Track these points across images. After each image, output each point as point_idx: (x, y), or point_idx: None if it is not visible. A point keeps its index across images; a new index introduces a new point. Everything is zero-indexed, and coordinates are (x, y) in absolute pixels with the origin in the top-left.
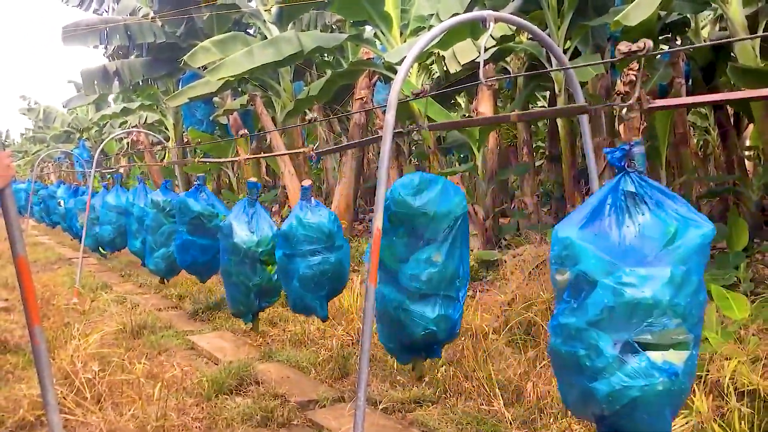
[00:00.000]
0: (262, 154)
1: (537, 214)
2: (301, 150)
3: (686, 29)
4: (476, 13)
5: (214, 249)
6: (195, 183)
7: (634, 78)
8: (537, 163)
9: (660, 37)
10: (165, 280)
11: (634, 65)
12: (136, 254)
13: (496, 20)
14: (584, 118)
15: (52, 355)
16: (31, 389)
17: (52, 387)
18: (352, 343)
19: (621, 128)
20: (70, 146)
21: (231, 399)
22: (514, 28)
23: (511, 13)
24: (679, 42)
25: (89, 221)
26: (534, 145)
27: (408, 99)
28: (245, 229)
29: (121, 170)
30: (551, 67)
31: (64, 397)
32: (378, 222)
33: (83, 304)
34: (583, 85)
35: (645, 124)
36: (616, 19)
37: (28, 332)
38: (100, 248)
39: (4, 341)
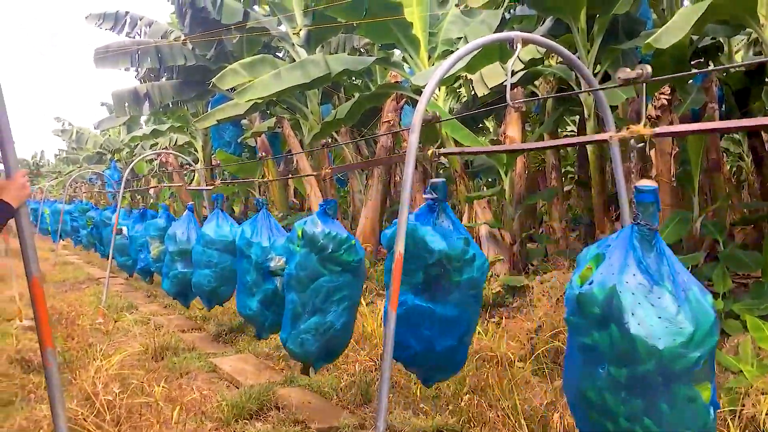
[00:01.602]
0: (279, 177)
1: (565, 239)
2: (314, 174)
3: (719, 53)
4: (504, 34)
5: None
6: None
7: (666, 102)
8: (567, 188)
9: (692, 62)
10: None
11: (666, 89)
12: (250, 320)
13: (524, 42)
14: (617, 157)
15: (74, 376)
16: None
17: (63, 412)
18: (375, 368)
19: (652, 153)
20: (102, 167)
21: (251, 424)
22: (543, 51)
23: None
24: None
25: (119, 245)
26: (564, 170)
27: (431, 121)
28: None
29: (152, 191)
30: (579, 88)
31: (84, 419)
32: (399, 246)
33: (107, 324)
34: (613, 109)
35: (677, 149)
36: (647, 42)
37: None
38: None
39: (28, 360)
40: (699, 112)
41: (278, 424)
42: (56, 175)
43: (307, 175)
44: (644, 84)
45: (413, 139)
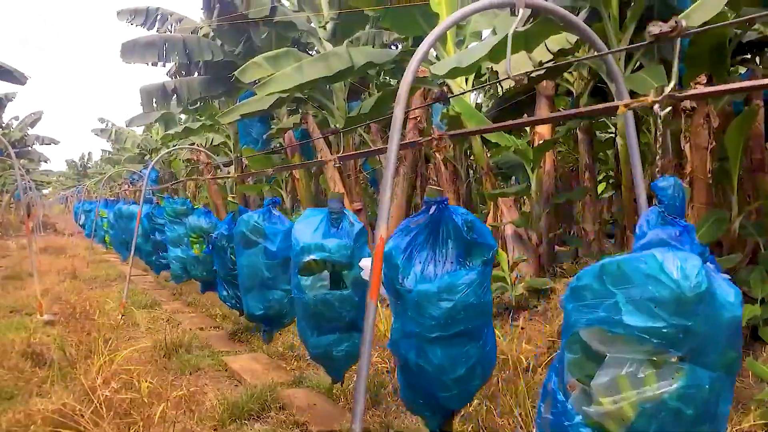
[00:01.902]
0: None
1: (599, 242)
2: (321, 162)
3: (766, 48)
4: None
5: None
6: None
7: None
8: (609, 194)
9: (737, 57)
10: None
11: (702, 78)
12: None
13: (527, 5)
14: (632, 135)
15: (79, 371)
16: (50, 405)
17: None
18: (387, 370)
19: (687, 148)
20: (140, 167)
21: (249, 425)
22: (573, 41)
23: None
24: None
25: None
26: (605, 173)
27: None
28: None
29: (188, 191)
30: (611, 81)
31: (81, 415)
32: (382, 231)
33: (127, 320)
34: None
35: (714, 143)
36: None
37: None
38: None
39: (39, 354)
40: (741, 107)
41: (277, 425)
42: (101, 176)
43: (317, 163)
44: (678, 40)
45: (398, 113)
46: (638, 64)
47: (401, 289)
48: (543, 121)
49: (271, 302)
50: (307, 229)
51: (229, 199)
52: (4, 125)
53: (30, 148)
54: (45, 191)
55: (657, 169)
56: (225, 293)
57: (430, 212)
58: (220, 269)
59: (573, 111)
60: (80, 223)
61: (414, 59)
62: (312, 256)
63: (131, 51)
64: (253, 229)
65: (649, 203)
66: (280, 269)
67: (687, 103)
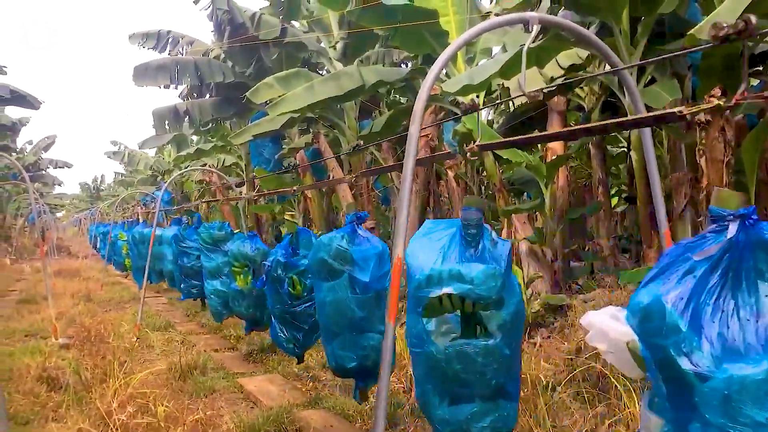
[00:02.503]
0: (309, 186)
1: (614, 257)
2: (341, 180)
3: None
4: (519, 14)
5: None
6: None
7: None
8: (622, 209)
9: (749, 69)
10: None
11: (716, 91)
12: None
13: (540, 22)
14: (650, 148)
15: (94, 395)
16: (66, 431)
17: (6, 429)
18: (404, 390)
19: (702, 161)
20: (152, 189)
21: None
22: (584, 56)
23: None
24: None
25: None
26: (618, 188)
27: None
28: None
29: (201, 212)
30: (624, 97)
31: None
32: (399, 250)
33: (141, 342)
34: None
35: (729, 156)
36: (690, 33)
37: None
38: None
39: (54, 378)
40: (755, 119)
41: None
42: (114, 198)
43: (336, 182)
44: (745, 42)
45: (413, 130)
46: (650, 78)
47: (687, 372)
48: (588, 132)
49: (367, 350)
50: (430, 249)
51: (286, 217)
52: (18, 150)
53: (44, 172)
54: (59, 214)
55: (671, 183)
56: (282, 335)
57: (728, 235)
58: (274, 305)
59: (631, 118)
60: (96, 247)
61: (428, 78)
62: (445, 290)
63: (143, 74)
64: (337, 253)
65: (669, 219)
66: (374, 305)
67: (702, 116)
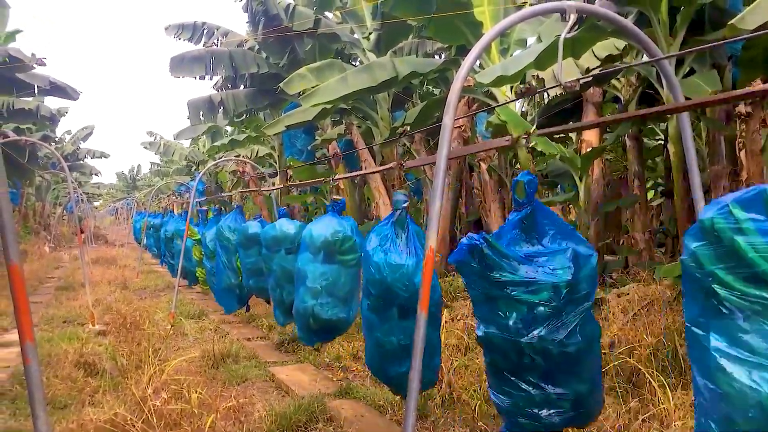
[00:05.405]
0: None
1: (650, 251)
2: (379, 169)
3: None
4: (556, 3)
5: None
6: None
7: (760, 97)
8: (658, 203)
9: None
10: None
11: (757, 83)
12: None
13: (578, 11)
14: (689, 141)
15: (130, 381)
16: (102, 415)
17: (45, 413)
18: (435, 382)
19: (742, 154)
20: (187, 179)
21: None
22: (621, 47)
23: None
24: None
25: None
26: (653, 180)
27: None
28: None
29: (234, 203)
30: (662, 87)
31: (132, 424)
32: (432, 241)
33: (175, 330)
34: (701, 109)
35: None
36: (731, 23)
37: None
38: None
39: (92, 364)
40: None
41: None
42: (150, 188)
43: (372, 172)
44: None
45: (447, 121)
46: (688, 69)
47: None
48: (646, 117)
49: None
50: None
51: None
52: (57, 139)
53: (82, 162)
54: (96, 203)
55: (710, 176)
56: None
57: None
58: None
59: (696, 100)
60: (143, 244)
61: (462, 68)
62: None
63: (179, 65)
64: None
65: None
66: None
67: (742, 108)
